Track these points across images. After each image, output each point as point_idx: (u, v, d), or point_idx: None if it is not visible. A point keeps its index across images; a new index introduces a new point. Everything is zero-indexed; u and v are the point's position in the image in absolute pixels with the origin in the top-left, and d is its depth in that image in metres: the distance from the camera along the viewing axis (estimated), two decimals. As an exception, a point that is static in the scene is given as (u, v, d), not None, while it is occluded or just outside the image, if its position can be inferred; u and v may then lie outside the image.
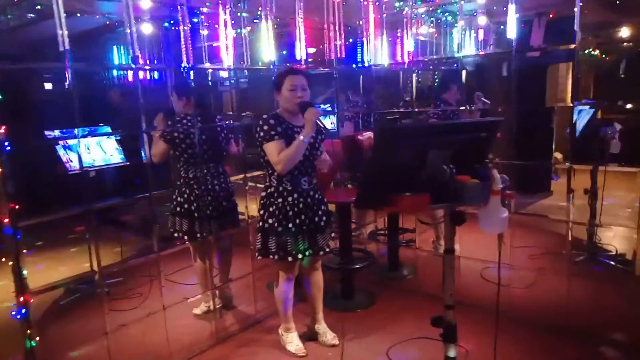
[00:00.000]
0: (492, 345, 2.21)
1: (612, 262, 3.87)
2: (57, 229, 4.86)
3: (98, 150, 3.57)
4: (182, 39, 2.94)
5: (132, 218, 5.55)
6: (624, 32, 7.66)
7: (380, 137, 1.77)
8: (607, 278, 3.73)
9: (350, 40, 3.89)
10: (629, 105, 3.96)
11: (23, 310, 2.18)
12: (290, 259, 2.66)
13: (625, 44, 8.05)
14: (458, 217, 1.90)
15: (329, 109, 4.86)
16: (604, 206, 3.83)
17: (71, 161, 3.45)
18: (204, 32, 4.51)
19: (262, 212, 2.71)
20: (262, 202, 2.73)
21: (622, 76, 8.69)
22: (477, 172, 1.87)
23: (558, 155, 6.05)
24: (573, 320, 3.02)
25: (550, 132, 6.34)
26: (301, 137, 2.53)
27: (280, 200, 2.65)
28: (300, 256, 2.67)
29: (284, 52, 3.69)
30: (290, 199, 2.65)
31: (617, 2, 5.58)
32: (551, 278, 3.69)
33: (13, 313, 2.21)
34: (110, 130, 3.93)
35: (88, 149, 3.50)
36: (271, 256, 2.69)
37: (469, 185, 1.83)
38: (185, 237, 3.17)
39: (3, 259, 2.22)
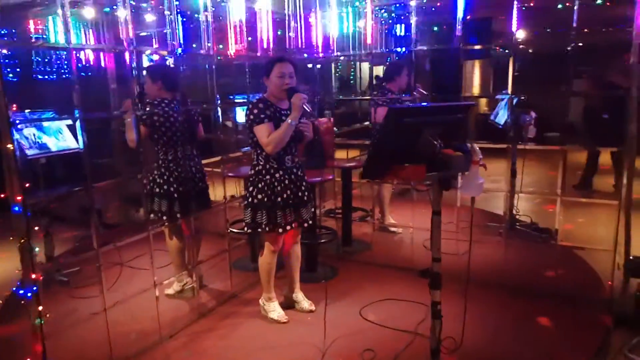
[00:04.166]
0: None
1: (529, 230, 4.56)
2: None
3: (57, 136, 3.47)
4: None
5: (67, 209, 5.33)
6: (520, 34, 8.74)
7: (391, 116, 2.08)
8: (527, 243, 4.38)
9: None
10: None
11: (34, 288, 2.20)
12: (280, 230, 2.90)
13: (521, 46, 9.17)
14: (445, 183, 2.28)
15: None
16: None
17: (31, 146, 3.34)
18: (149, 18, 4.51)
19: (251, 188, 2.91)
20: (250, 179, 2.93)
21: (517, 73, 9.89)
22: (460, 146, 2.26)
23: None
24: (508, 278, 3.61)
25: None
26: (289, 121, 2.77)
27: (268, 177, 2.87)
28: (288, 228, 2.92)
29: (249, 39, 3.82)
30: (277, 175, 2.87)
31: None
32: (481, 245, 4.28)
33: (21, 292, 2.21)
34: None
35: (61, 132, 3.40)
36: (260, 229, 2.90)
37: (455, 157, 2.22)
38: (164, 218, 3.25)
39: None
